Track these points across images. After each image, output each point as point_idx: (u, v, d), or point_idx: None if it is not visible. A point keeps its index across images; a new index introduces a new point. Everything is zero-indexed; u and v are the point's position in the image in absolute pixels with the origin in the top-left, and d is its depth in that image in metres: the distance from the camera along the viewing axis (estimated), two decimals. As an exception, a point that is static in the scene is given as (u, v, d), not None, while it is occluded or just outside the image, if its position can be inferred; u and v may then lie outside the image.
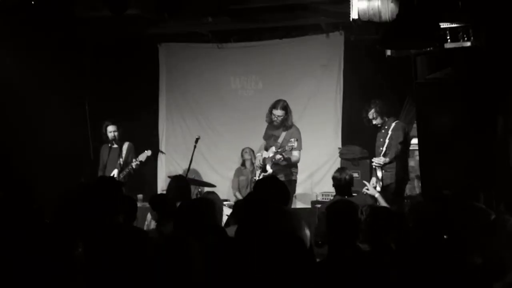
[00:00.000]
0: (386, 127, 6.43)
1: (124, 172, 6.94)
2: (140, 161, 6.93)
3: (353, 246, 3.14)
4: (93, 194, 3.69)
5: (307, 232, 2.18)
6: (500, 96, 5.19)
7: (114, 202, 3.57)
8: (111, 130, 7.11)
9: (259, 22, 7.60)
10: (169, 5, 5.95)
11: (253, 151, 7.94)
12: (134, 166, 6.90)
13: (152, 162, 8.44)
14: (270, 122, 6.74)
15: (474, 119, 5.33)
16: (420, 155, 6.04)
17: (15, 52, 6.84)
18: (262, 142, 7.18)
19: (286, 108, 6.58)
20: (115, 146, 7.16)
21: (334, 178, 5.31)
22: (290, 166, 6.56)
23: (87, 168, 7.34)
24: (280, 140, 6.61)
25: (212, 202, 4.03)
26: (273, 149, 6.58)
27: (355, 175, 6.40)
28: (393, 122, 6.44)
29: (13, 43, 6.80)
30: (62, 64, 7.36)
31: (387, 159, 6.18)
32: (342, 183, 5.22)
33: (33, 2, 5.76)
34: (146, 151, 7.00)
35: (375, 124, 6.51)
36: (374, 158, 6.22)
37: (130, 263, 2.80)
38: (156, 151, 8.37)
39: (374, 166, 6.19)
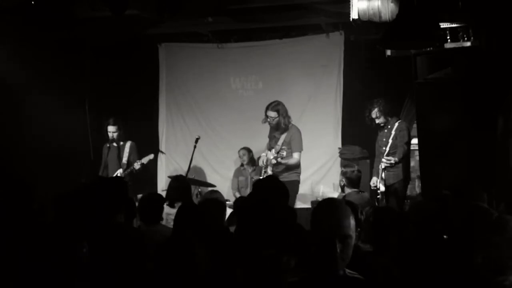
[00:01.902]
0: (389, 126, 6.45)
1: (126, 172, 6.95)
2: (142, 164, 6.96)
3: (354, 246, 3.14)
4: (93, 194, 3.68)
5: (352, 221, 2.16)
6: (500, 96, 5.18)
7: (114, 201, 3.56)
8: (110, 131, 7.11)
9: (259, 22, 7.60)
10: (169, 5, 5.95)
11: (248, 151, 7.93)
12: (136, 168, 6.92)
13: (152, 162, 8.44)
14: (268, 123, 6.75)
15: (474, 119, 5.32)
16: (420, 155, 6.03)
17: (15, 52, 6.83)
18: (262, 142, 7.18)
19: (278, 110, 6.56)
20: (115, 145, 7.16)
21: (345, 172, 5.48)
22: (291, 168, 6.54)
23: (87, 168, 7.33)
24: (279, 142, 6.60)
25: (220, 203, 4.05)
26: (273, 151, 6.58)
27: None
28: (396, 122, 6.45)
29: (13, 43, 6.79)
30: (62, 64, 7.36)
31: (396, 159, 6.22)
32: (358, 176, 5.45)
33: (33, 2, 5.76)
34: (149, 155, 7.05)
35: (378, 123, 6.52)
36: (384, 158, 6.24)
37: (130, 263, 2.80)
38: (156, 151, 8.38)
39: (383, 166, 6.21)
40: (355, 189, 5.36)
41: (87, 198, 3.64)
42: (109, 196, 3.52)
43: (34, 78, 6.97)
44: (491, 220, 3.02)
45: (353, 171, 5.43)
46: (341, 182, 5.55)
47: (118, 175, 6.87)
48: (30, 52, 6.93)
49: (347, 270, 2.22)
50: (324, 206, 2.17)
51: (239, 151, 7.99)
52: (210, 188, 6.78)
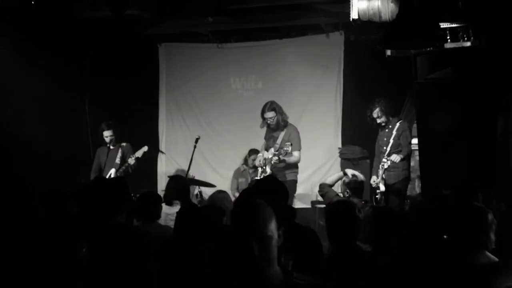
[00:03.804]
0: (390, 126, 6.45)
1: (121, 170, 6.90)
2: (137, 158, 6.86)
3: (354, 246, 3.14)
4: (93, 194, 3.68)
5: (272, 223, 2.07)
6: (500, 96, 5.19)
7: (114, 201, 3.56)
8: (107, 135, 7.04)
9: (259, 22, 7.61)
10: (169, 5, 5.96)
11: (257, 154, 7.86)
12: (131, 163, 6.86)
13: (152, 161, 8.44)
14: (268, 126, 6.75)
15: (474, 119, 5.33)
16: (420, 155, 6.04)
17: (15, 52, 6.84)
18: (262, 142, 7.19)
19: (274, 109, 6.59)
20: (113, 147, 7.13)
21: (349, 183, 5.18)
22: (290, 167, 6.55)
23: (87, 168, 7.33)
24: (278, 141, 6.60)
25: (218, 209, 4.06)
26: (272, 150, 6.58)
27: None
28: (397, 122, 6.46)
29: (13, 43, 6.79)
30: (62, 64, 7.36)
31: (402, 156, 6.23)
32: (361, 184, 5.18)
33: (33, 2, 5.76)
34: (142, 147, 6.96)
35: (379, 123, 6.52)
36: (390, 157, 6.21)
37: (130, 263, 2.80)
38: (156, 151, 8.36)
39: (386, 166, 6.20)
40: (360, 199, 5.18)
41: (87, 198, 3.64)
42: (109, 196, 3.51)
43: (34, 78, 6.97)
44: (488, 219, 3.03)
45: (356, 181, 5.14)
46: (345, 193, 5.22)
47: (112, 175, 6.81)
48: (30, 52, 6.93)
49: (296, 275, 2.09)
50: (241, 207, 2.12)
51: (250, 156, 7.82)
52: (216, 188, 6.75)
